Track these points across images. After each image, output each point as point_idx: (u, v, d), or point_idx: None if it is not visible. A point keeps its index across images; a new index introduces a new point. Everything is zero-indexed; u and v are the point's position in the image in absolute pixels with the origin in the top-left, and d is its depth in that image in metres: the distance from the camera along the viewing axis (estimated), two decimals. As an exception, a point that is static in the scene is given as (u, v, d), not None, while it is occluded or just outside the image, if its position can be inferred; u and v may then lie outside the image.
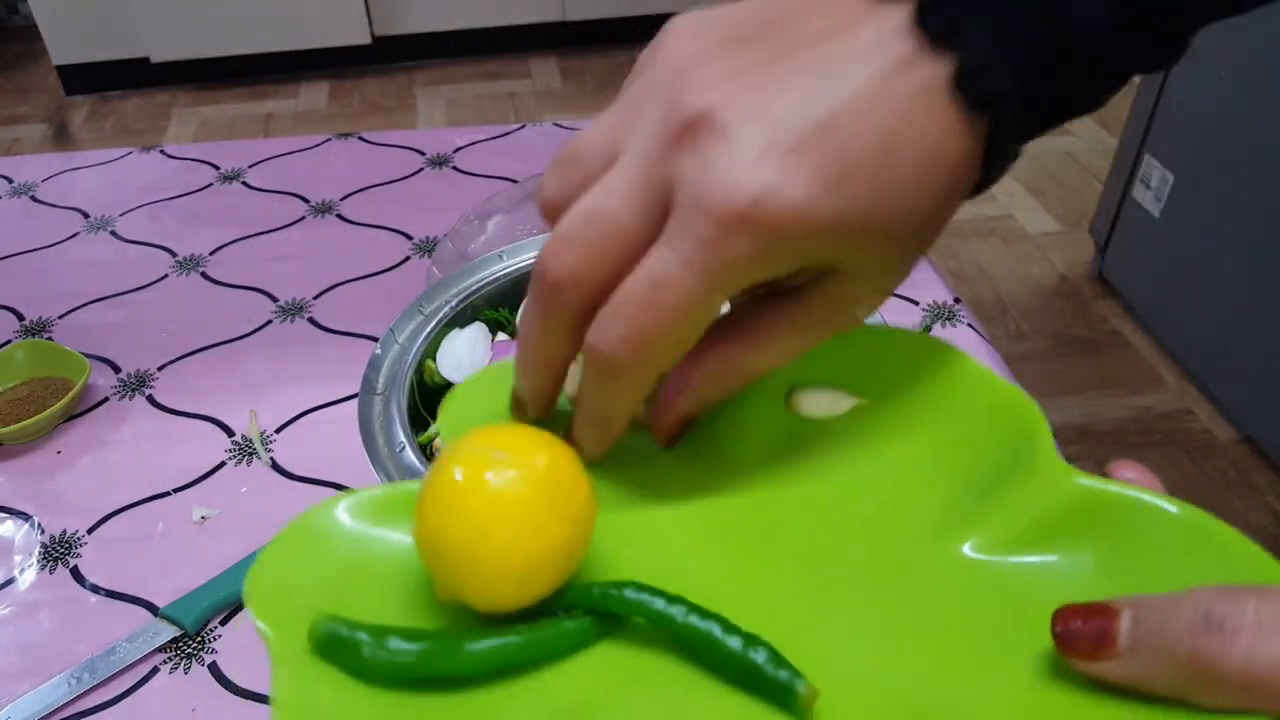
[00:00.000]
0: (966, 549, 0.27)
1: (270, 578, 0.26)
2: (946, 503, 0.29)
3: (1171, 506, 0.26)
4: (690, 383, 0.29)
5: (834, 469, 0.30)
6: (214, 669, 0.46)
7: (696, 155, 0.24)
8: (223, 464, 0.57)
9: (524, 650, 0.25)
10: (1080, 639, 0.22)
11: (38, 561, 0.51)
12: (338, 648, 0.24)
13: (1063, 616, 0.22)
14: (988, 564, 0.27)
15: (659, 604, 0.24)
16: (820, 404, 0.32)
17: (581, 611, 0.25)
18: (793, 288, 0.28)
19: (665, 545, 0.28)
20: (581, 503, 0.25)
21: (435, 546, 0.25)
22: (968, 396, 0.31)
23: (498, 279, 0.50)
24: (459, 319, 0.48)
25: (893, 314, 0.64)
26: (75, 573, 0.51)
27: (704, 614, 0.24)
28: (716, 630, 0.24)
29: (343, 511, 0.28)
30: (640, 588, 0.25)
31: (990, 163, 0.26)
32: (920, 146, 0.24)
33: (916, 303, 0.67)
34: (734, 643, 0.24)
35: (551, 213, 0.28)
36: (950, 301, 0.67)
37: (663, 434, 0.30)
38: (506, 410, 0.31)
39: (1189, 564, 0.25)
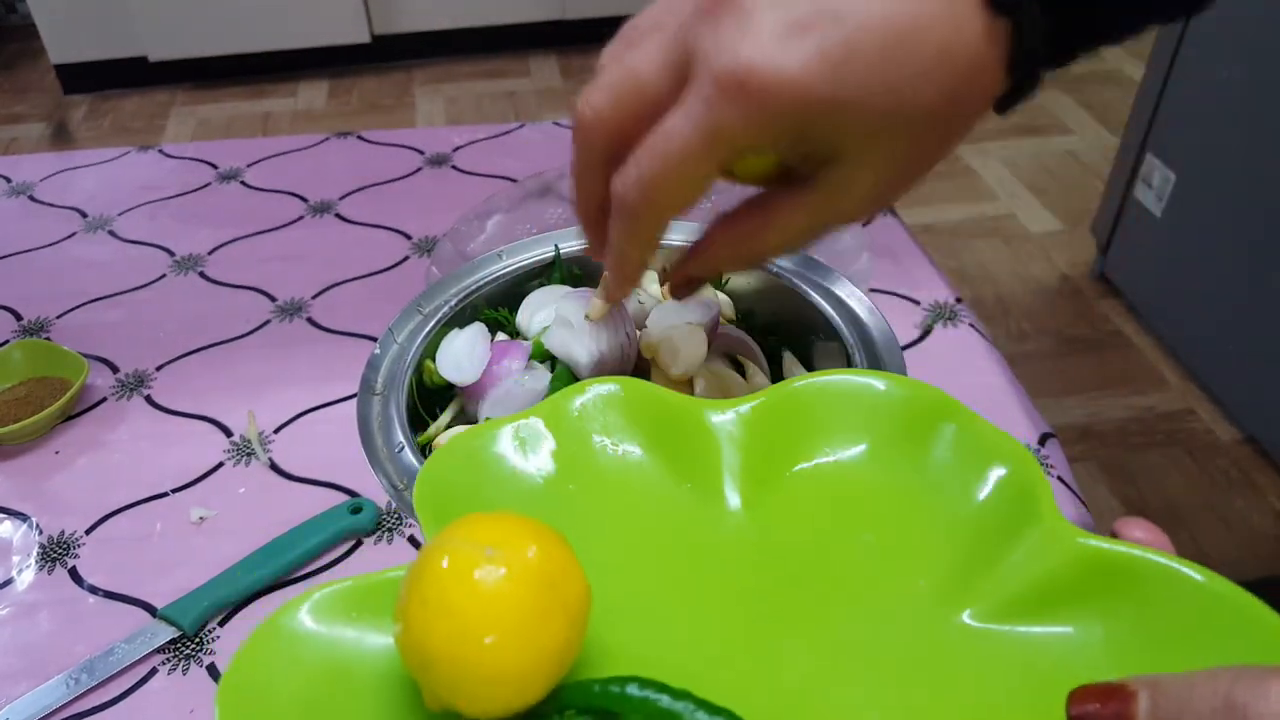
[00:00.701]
0: (970, 617, 0.26)
1: (243, 691, 0.24)
2: (946, 567, 0.27)
3: (1193, 573, 0.24)
4: (704, 248, 0.33)
5: (829, 532, 0.29)
6: (212, 670, 0.46)
7: (715, 27, 0.27)
8: (221, 464, 0.56)
9: None
10: None
11: (36, 562, 0.51)
12: None
13: (1078, 699, 0.21)
14: (992, 634, 0.26)
15: (664, 701, 0.23)
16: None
17: (576, 712, 0.24)
18: (805, 175, 0.30)
19: (661, 625, 0.27)
20: (576, 594, 0.24)
21: (423, 654, 0.23)
22: (964, 451, 0.29)
23: (497, 278, 0.50)
24: (458, 319, 0.48)
25: (894, 313, 0.64)
26: (73, 573, 0.50)
27: (711, 710, 0.23)
28: None
29: (313, 611, 0.26)
30: (643, 684, 0.23)
31: (1015, 74, 0.27)
32: (929, 41, 0.26)
33: (918, 302, 0.67)
34: None
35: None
36: (951, 301, 0.67)
37: (673, 288, 0.35)
38: (485, 487, 0.30)
39: (1207, 636, 0.23)
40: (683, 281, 0.35)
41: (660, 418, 0.32)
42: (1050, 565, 0.26)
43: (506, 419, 0.32)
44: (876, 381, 0.31)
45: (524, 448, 0.31)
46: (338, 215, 0.79)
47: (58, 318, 0.69)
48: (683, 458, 0.31)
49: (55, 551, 0.52)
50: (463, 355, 0.45)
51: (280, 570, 0.49)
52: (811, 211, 0.30)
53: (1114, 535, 0.26)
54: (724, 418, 0.31)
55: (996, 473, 0.28)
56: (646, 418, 0.32)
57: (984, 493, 0.28)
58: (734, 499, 0.30)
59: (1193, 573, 0.24)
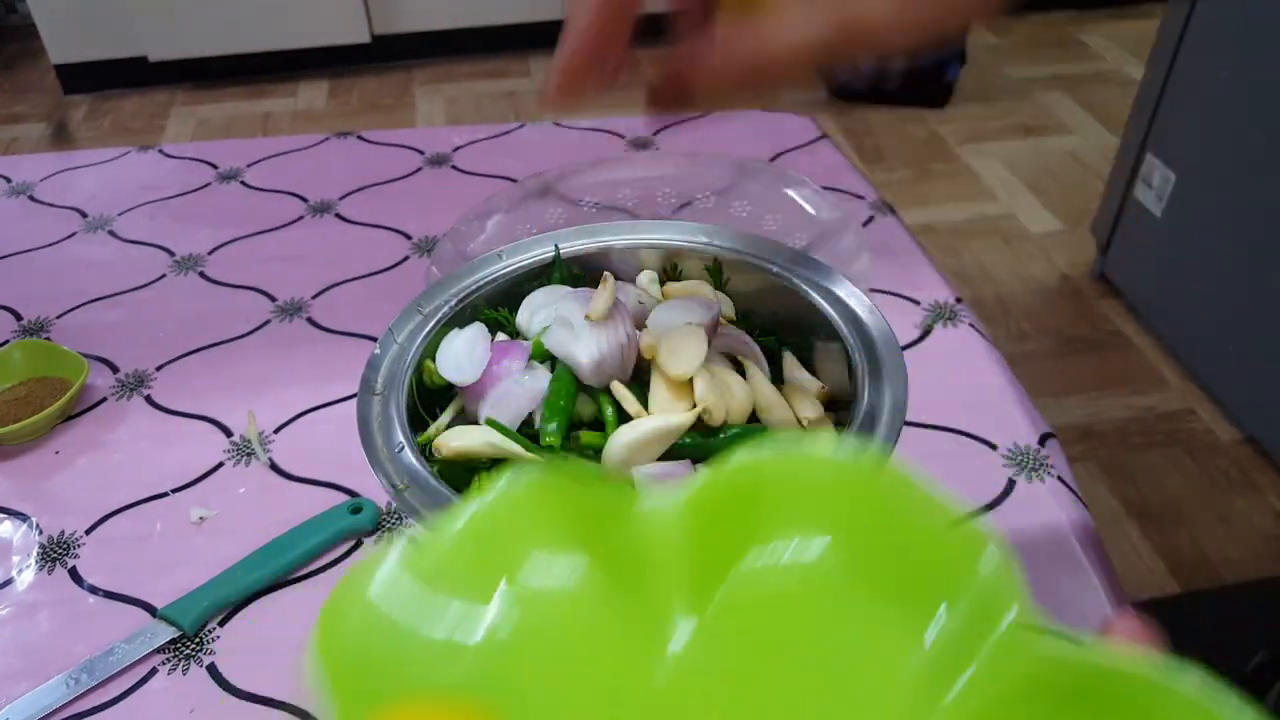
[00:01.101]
0: None
1: None
2: (907, 688, 0.23)
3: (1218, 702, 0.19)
4: (699, 52, 0.29)
5: (779, 654, 0.25)
6: (212, 670, 0.46)
7: None
8: (221, 464, 0.56)
9: None
10: None
11: (36, 562, 0.51)
12: None
13: None
14: None
15: None
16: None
17: None
18: None
19: None
20: None
21: None
22: (916, 544, 0.24)
23: (497, 278, 0.50)
24: (458, 319, 0.48)
25: (894, 313, 0.64)
26: (74, 573, 0.50)
27: None
28: None
29: None
30: None
31: None
32: None
33: (918, 302, 0.67)
34: None
35: None
36: (951, 301, 0.67)
37: (654, 96, 0.31)
38: (398, 652, 0.24)
39: None
40: (669, 92, 0.30)
41: (588, 524, 0.27)
42: (1012, 683, 0.21)
43: (406, 548, 0.25)
44: (829, 464, 0.26)
45: (437, 585, 0.25)
46: (338, 215, 0.79)
47: (58, 318, 0.69)
48: (617, 571, 0.26)
49: (55, 551, 0.52)
50: (463, 355, 0.45)
51: (280, 570, 0.49)
52: (817, 12, 0.27)
53: (1104, 633, 0.22)
54: (661, 513, 0.26)
55: (952, 564, 0.23)
56: (572, 525, 0.27)
57: (939, 591, 0.23)
58: (681, 620, 0.25)
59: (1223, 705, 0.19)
